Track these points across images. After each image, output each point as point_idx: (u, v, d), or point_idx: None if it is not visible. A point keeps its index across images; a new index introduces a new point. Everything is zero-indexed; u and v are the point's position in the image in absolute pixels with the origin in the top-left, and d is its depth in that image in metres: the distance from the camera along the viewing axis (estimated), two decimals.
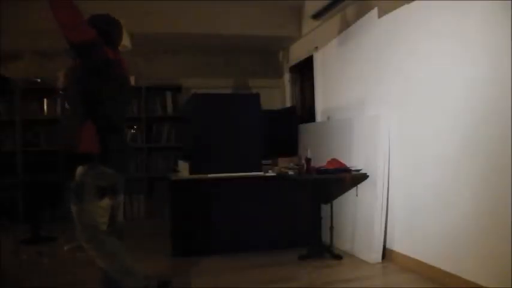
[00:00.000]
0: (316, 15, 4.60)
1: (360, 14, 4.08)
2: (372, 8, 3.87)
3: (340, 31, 4.50)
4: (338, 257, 3.71)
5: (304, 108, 5.79)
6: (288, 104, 6.20)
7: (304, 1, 5.30)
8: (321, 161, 3.99)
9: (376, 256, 3.56)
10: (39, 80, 5.73)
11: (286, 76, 6.29)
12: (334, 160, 3.90)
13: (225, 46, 5.96)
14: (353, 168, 3.75)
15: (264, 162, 4.23)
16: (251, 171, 4.05)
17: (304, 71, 5.65)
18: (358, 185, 3.80)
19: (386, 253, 3.62)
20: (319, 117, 5.14)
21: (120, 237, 2.55)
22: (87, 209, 2.31)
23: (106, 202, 2.36)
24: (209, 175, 3.96)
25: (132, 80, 5.95)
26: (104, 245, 2.40)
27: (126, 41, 4.19)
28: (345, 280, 3.23)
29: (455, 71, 2.88)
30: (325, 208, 4.15)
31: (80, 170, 2.30)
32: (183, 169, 4.31)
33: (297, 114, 5.34)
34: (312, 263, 3.62)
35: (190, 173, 3.97)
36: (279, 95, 6.41)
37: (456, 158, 2.88)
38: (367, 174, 3.68)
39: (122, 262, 2.41)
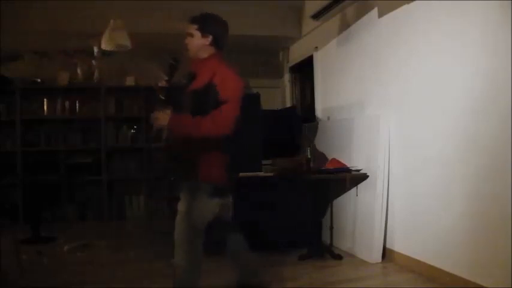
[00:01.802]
0: (316, 15, 4.60)
1: (360, 14, 4.08)
2: (372, 8, 3.87)
3: (340, 31, 4.50)
4: (338, 257, 3.71)
5: (304, 108, 5.79)
6: (288, 104, 6.20)
7: (304, 1, 5.30)
8: (321, 161, 3.99)
9: (376, 256, 3.56)
10: (39, 80, 5.73)
11: (286, 76, 6.29)
12: (334, 160, 3.90)
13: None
14: (353, 168, 3.75)
15: (264, 162, 4.22)
16: (251, 171, 4.04)
17: (304, 71, 5.65)
18: (358, 185, 3.80)
19: (386, 253, 3.62)
20: (319, 115, 5.13)
21: (232, 233, 2.63)
22: (198, 207, 2.34)
23: (216, 202, 2.39)
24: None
25: (132, 80, 5.99)
26: (191, 250, 2.42)
27: (126, 41, 4.22)
28: (345, 280, 3.23)
29: (455, 71, 2.88)
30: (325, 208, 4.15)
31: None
32: None
33: (298, 114, 5.35)
34: (312, 263, 3.62)
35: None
36: (279, 95, 6.40)
37: (456, 158, 2.88)
38: (367, 174, 3.68)
39: (190, 274, 2.43)
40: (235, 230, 2.65)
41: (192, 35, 2.42)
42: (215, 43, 2.43)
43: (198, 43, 2.41)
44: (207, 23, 2.43)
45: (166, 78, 2.39)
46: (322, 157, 4.25)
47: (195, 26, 2.41)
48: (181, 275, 2.40)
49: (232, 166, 2.41)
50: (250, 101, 4.18)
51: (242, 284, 2.69)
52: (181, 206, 2.39)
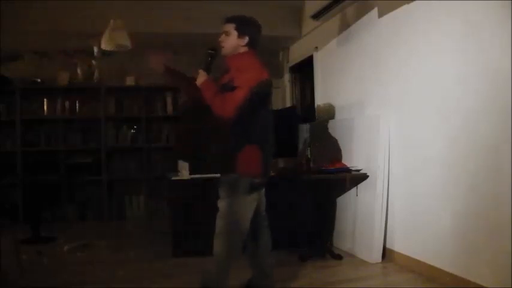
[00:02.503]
0: (316, 15, 4.60)
1: (360, 14, 4.08)
2: (372, 8, 3.87)
3: (340, 31, 4.50)
4: (338, 257, 3.71)
5: (304, 108, 5.79)
6: (288, 104, 6.20)
7: (304, 1, 5.30)
8: (321, 161, 3.99)
9: (376, 256, 3.56)
10: (39, 80, 5.73)
11: (286, 76, 6.29)
12: (334, 160, 3.90)
13: None
14: (353, 168, 3.75)
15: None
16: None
17: (304, 71, 5.65)
18: (358, 185, 3.80)
19: (386, 253, 3.62)
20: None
21: (264, 229, 2.69)
22: (238, 203, 2.39)
23: (254, 197, 2.44)
24: (208, 175, 3.96)
25: (132, 80, 5.99)
26: (228, 241, 2.46)
27: (126, 41, 4.22)
28: (345, 280, 3.23)
29: (455, 71, 2.88)
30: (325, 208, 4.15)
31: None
32: (183, 169, 4.31)
33: (297, 114, 5.34)
34: (312, 263, 3.62)
35: (190, 173, 3.97)
36: (279, 95, 6.40)
37: (456, 158, 2.88)
38: (367, 174, 3.68)
39: (225, 263, 2.48)
40: (267, 226, 2.72)
41: (228, 34, 2.47)
42: (250, 44, 2.48)
43: (234, 42, 2.47)
44: (245, 23, 2.50)
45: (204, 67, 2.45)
46: (327, 157, 4.24)
47: (233, 25, 2.47)
48: (212, 272, 2.46)
49: (267, 159, 2.45)
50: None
51: (256, 284, 2.71)
52: (221, 202, 2.44)
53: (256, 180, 2.40)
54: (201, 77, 2.41)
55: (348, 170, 3.74)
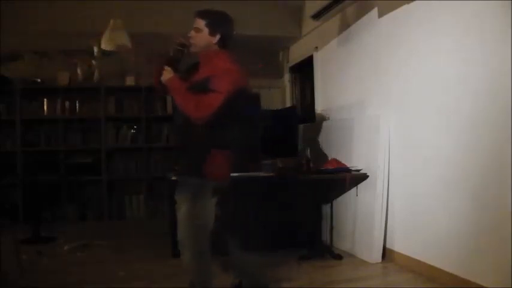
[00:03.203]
0: (316, 15, 4.60)
1: (360, 14, 4.09)
2: (372, 8, 3.87)
3: (340, 31, 4.50)
4: (338, 257, 3.71)
5: (304, 108, 5.79)
6: (288, 104, 6.20)
7: (304, 1, 5.30)
8: (321, 161, 3.99)
9: (376, 256, 3.56)
10: (39, 80, 5.73)
11: (286, 76, 6.29)
12: (334, 160, 3.90)
13: None
14: (353, 168, 3.75)
15: (264, 162, 4.22)
16: (251, 171, 4.04)
17: (304, 71, 5.65)
18: (358, 185, 3.80)
19: (386, 253, 3.62)
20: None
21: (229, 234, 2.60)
22: (200, 207, 2.31)
23: (216, 201, 2.37)
24: None
25: (132, 80, 5.99)
26: (199, 251, 2.37)
27: (126, 41, 4.22)
28: (345, 280, 3.23)
29: (455, 71, 2.88)
30: (325, 208, 4.15)
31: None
32: None
33: (297, 114, 5.34)
34: (312, 263, 3.62)
35: None
36: (279, 95, 6.40)
37: (456, 158, 2.88)
38: (367, 174, 3.68)
39: (202, 275, 2.41)
40: (231, 231, 2.62)
41: (199, 30, 2.33)
42: (222, 42, 2.35)
43: (205, 40, 2.33)
44: (217, 20, 2.35)
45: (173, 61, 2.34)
46: (322, 157, 4.25)
47: (204, 22, 2.32)
48: (192, 277, 2.37)
49: (236, 165, 2.40)
50: (251, 101, 4.19)
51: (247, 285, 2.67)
52: (182, 204, 2.33)
53: (220, 185, 2.32)
54: (168, 74, 2.27)
55: (347, 170, 3.73)
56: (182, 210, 2.33)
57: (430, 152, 3.13)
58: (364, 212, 3.71)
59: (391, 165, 3.60)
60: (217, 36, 2.33)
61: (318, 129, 4.77)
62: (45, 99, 5.77)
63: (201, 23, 2.33)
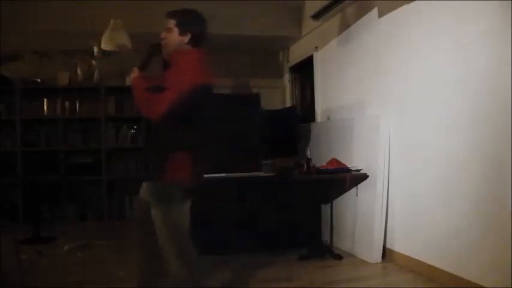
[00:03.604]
0: (316, 15, 4.60)
1: (360, 14, 4.09)
2: (372, 8, 3.87)
3: (340, 31, 4.50)
4: (338, 257, 3.71)
5: (304, 108, 5.79)
6: (288, 104, 6.20)
7: (304, 1, 5.30)
8: (321, 161, 3.99)
9: (376, 256, 3.56)
10: (39, 80, 5.73)
11: (286, 76, 6.30)
12: (334, 160, 3.90)
13: (225, 46, 5.96)
14: (353, 168, 3.75)
15: (264, 162, 4.22)
16: (251, 171, 4.04)
17: (304, 71, 5.65)
18: (358, 185, 3.80)
19: (386, 253, 3.62)
20: (319, 117, 5.14)
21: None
22: (174, 212, 2.27)
23: (189, 204, 2.33)
24: (209, 175, 3.96)
25: (130, 80, 5.98)
26: (187, 247, 2.34)
27: (126, 41, 4.22)
28: (345, 280, 3.23)
29: (455, 70, 2.88)
30: (325, 208, 4.15)
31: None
32: None
33: (297, 114, 5.34)
34: (312, 263, 3.62)
35: None
36: (279, 95, 6.41)
37: (456, 158, 2.88)
38: (367, 174, 3.68)
39: (195, 264, 2.38)
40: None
41: (170, 31, 2.31)
42: (193, 41, 2.32)
43: (176, 40, 2.30)
44: (187, 19, 2.32)
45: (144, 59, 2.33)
46: (322, 157, 4.24)
47: (174, 22, 2.30)
48: (184, 281, 2.34)
49: (201, 166, 2.35)
50: (250, 101, 4.20)
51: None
52: (156, 213, 2.28)
53: (186, 187, 2.27)
54: (133, 74, 2.27)
55: (347, 170, 3.73)
56: (157, 217, 2.28)
57: (430, 152, 3.13)
58: (364, 212, 3.71)
59: (391, 165, 3.60)
60: (188, 36, 2.30)
61: (318, 129, 4.77)
62: (45, 99, 5.77)
63: (171, 23, 2.32)
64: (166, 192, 2.24)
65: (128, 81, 2.29)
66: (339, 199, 4.10)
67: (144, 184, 2.38)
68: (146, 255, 2.47)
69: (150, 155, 2.40)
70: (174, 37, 2.31)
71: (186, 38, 2.30)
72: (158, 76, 2.33)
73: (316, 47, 5.14)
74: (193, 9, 2.40)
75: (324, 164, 3.90)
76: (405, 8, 3.41)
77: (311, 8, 4.84)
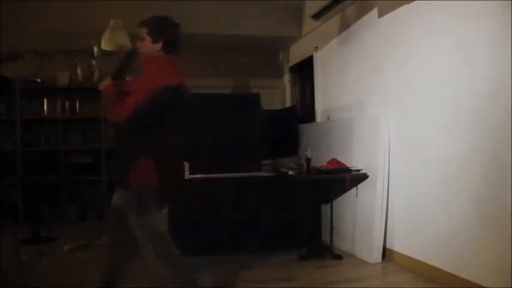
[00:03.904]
0: (316, 15, 4.61)
1: (360, 14, 4.09)
2: (372, 8, 3.87)
3: (340, 31, 4.50)
4: (338, 257, 3.71)
5: (304, 108, 5.79)
6: (288, 104, 6.20)
7: (304, 1, 5.30)
8: (321, 161, 3.99)
9: (376, 256, 3.56)
10: (39, 80, 5.73)
11: (286, 76, 6.30)
12: (334, 160, 3.90)
13: (225, 46, 5.96)
14: (353, 168, 3.75)
15: (264, 162, 4.23)
16: (251, 171, 4.05)
17: (304, 71, 5.65)
18: (358, 185, 3.80)
19: (386, 253, 3.62)
20: (319, 117, 5.14)
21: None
22: (150, 218, 2.29)
23: (165, 209, 2.36)
24: (209, 175, 3.96)
25: (101, 87, 5.97)
26: (169, 250, 2.38)
27: (126, 41, 4.22)
28: (345, 280, 3.23)
29: (455, 70, 2.88)
30: (325, 208, 4.15)
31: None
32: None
33: (297, 114, 5.35)
34: (312, 263, 3.62)
35: (190, 173, 3.97)
36: (279, 95, 6.41)
37: (456, 158, 2.88)
38: (367, 174, 3.68)
39: (181, 264, 2.41)
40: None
41: (143, 39, 2.35)
42: (166, 48, 2.33)
43: (149, 48, 2.33)
44: (158, 28, 2.35)
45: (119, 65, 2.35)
46: (322, 157, 4.25)
47: (146, 30, 2.35)
48: (176, 283, 2.36)
49: (172, 172, 2.33)
50: (250, 101, 4.20)
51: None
52: (132, 219, 2.30)
53: (158, 194, 2.27)
54: (105, 81, 2.30)
55: (348, 170, 3.74)
56: (134, 224, 2.30)
57: (430, 152, 3.13)
58: (364, 212, 3.71)
59: (391, 165, 3.60)
60: (160, 43, 2.33)
61: (318, 129, 4.78)
62: (45, 99, 5.77)
63: (144, 32, 2.35)
64: (139, 201, 2.26)
65: (100, 87, 2.30)
66: (339, 199, 4.10)
67: (117, 192, 2.42)
68: (113, 257, 2.51)
69: (118, 161, 2.39)
70: (147, 46, 2.34)
71: (159, 46, 2.33)
72: (128, 82, 2.35)
73: (316, 47, 5.14)
74: (164, 16, 2.44)
75: (324, 164, 3.90)
76: (405, 8, 3.41)
77: (311, 8, 4.84)
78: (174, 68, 2.33)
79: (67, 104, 5.82)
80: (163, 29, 2.37)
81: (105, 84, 2.29)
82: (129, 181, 2.24)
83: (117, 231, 2.49)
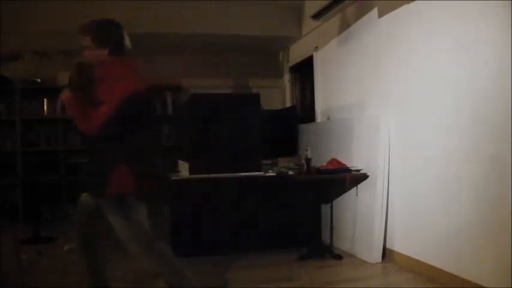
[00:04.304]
0: (316, 15, 4.60)
1: (360, 14, 4.08)
2: (372, 8, 3.87)
3: (340, 31, 4.50)
4: (338, 257, 3.71)
5: (304, 108, 5.79)
6: (288, 104, 6.20)
7: (304, 1, 5.30)
8: (321, 161, 3.99)
9: (376, 256, 3.56)
10: (39, 80, 5.73)
11: (286, 76, 6.30)
12: (334, 160, 3.90)
13: (225, 46, 5.96)
14: (353, 168, 3.75)
15: (264, 162, 4.22)
16: (251, 171, 4.05)
17: (304, 71, 5.65)
18: (358, 185, 3.80)
19: (386, 253, 3.62)
20: (319, 117, 5.14)
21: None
22: (132, 221, 2.32)
23: (145, 212, 2.38)
24: (209, 175, 3.96)
25: (61, 101, 5.97)
26: (159, 249, 2.40)
27: (125, 41, 4.21)
28: (345, 280, 3.23)
29: (455, 70, 2.88)
30: (325, 208, 4.15)
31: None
32: (183, 169, 4.31)
33: (297, 114, 5.34)
34: (312, 263, 3.62)
35: (190, 173, 3.97)
36: (279, 95, 6.41)
37: (456, 158, 2.88)
38: (367, 174, 3.68)
39: (175, 264, 2.41)
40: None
41: (87, 47, 2.28)
42: (114, 51, 2.30)
43: (96, 55, 2.27)
44: (101, 34, 2.28)
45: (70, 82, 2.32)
46: (322, 157, 4.25)
47: (89, 38, 2.27)
48: (169, 281, 2.39)
49: (146, 175, 2.35)
50: (250, 101, 4.20)
51: None
52: (114, 224, 2.34)
53: (136, 198, 2.30)
54: (64, 94, 2.25)
55: (348, 170, 3.73)
56: (117, 229, 2.35)
57: (430, 152, 3.13)
58: (364, 212, 3.71)
59: (391, 165, 3.60)
60: (107, 49, 2.28)
61: (318, 129, 4.77)
62: (45, 99, 5.77)
63: (86, 40, 2.28)
64: (121, 205, 2.28)
65: (59, 102, 2.27)
66: (339, 199, 4.10)
67: (87, 197, 2.46)
68: (92, 256, 2.60)
69: (93, 168, 2.41)
70: (93, 53, 2.29)
71: (106, 51, 2.28)
72: (90, 91, 2.29)
73: (316, 47, 5.14)
74: (106, 19, 2.37)
75: (324, 164, 3.90)
76: (405, 8, 3.41)
77: (311, 8, 4.84)
78: (132, 70, 2.31)
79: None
80: (106, 34, 2.31)
81: (67, 95, 2.24)
82: (108, 188, 2.24)
83: (87, 232, 2.57)
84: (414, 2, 3.30)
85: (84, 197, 2.47)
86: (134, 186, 2.26)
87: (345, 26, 4.40)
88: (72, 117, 2.23)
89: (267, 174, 4.13)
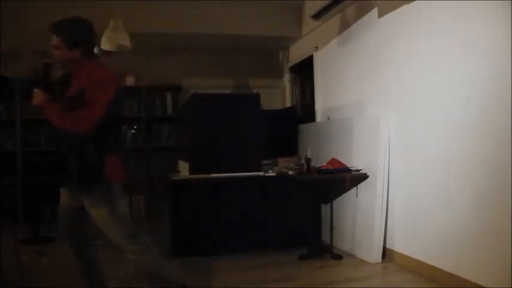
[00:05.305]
0: (316, 15, 4.60)
1: (360, 14, 4.08)
2: (372, 8, 3.87)
3: (340, 31, 4.50)
4: (338, 257, 3.71)
5: (304, 108, 5.79)
6: (288, 104, 6.20)
7: (304, 1, 5.30)
8: (321, 161, 3.99)
9: (376, 256, 3.56)
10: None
11: (286, 76, 6.29)
12: (334, 160, 3.90)
13: (225, 46, 5.96)
14: (353, 168, 3.75)
15: (264, 162, 4.22)
16: (251, 171, 4.05)
17: (304, 71, 5.65)
18: (358, 185, 3.80)
19: (386, 253, 3.62)
20: (319, 117, 5.14)
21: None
22: (119, 207, 2.37)
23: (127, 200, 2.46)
24: (209, 175, 3.96)
25: (132, 80, 5.99)
26: (142, 239, 2.48)
27: (126, 41, 4.22)
28: (345, 280, 3.23)
29: (455, 70, 2.88)
30: (325, 208, 4.15)
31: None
32: (183, 169, 4.31)
33: (297, 114, 5.35)
34: (312, 263, 3.62)
35: (190, 173, 3.97)
36: (279, 95, 6.41)
37: (456, 158, 2.88)
38: (367, 174, 3.68)
39: (156, 253, 2.50)
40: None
41: (57, 48, 2.27)
42: (85, 52, 2.29)
43: (66, 55, 2.27)
44: (72, 35, 2.27)
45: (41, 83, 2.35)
46: (322, 157, 4.25)
47: (59, 39, 2.26)
48: (152, 270, 2.46)
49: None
50: (250, 101, 4.20)
51: None
52: (100, 210, 2.35)
53: (123, 185, 2.38)
54: (38, 97, 2.29)
55: (348, 170, 3.73)
56: (102, 216, 2.36)
57: (430, 152, 3.13)
58: (364, 212, 3.71)
59: (391, 165, 3.60)
60: (78, 50, 2.28)
61: (318, 129, 4.77)
62: None
63: (56, 40, 2.27)
64: (109, 191, 2.31)
65: (35, 102, 2.34)
66: (339, 199, 4.10)
67: (66, 200, 2.45)
68: (83, 256, 2.69)
69: (79, 163, 2.37)
70: (63, 54, 2.28)
71: (77, 52, 2.28)
72: (69, 92, 2.33)
73: (316, 47, 5.14)
74: (76, 18, 2.39)
75: (324, 164, 3.90)
76: (405, 8, 3.41)
77: (311, 8, 4.84)
78: (106, 70, 2.34)
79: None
80: (78, 34, 2.30)
81: (42, 101, 2.33)
82: (102, 178, 2.28)
83: (78, 242, 2.66)
84: (414, 2, 3.30)
85: (63, 203, 2.47)
86: (124, 176, 2.37)
87: (345, 26, 4.40)
88: (51, 120, 2.29)
89: (267, 174, 4.13)
